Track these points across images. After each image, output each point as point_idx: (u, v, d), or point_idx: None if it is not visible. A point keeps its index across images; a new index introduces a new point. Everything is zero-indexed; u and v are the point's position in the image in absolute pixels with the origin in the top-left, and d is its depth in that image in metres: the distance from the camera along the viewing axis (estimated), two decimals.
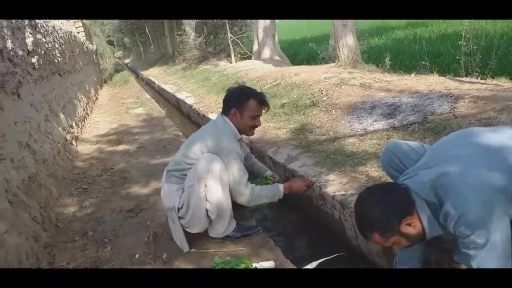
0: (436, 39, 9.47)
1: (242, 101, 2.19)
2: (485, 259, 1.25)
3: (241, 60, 11.93)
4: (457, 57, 5.01)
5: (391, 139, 3.19)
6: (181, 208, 2.15)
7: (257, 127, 2.31)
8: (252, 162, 2.66)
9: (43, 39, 4.44)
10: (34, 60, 3.75)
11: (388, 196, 1.44)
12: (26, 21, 3.74)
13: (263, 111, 2.28)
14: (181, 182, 2.18)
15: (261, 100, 2.23)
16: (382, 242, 1.45)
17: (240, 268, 1.83)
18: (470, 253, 1.27)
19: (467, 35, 4.71)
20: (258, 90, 2.33)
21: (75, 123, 5.52)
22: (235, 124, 2.23)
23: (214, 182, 2.05)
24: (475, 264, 1.27)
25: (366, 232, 1.47)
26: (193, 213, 2.12)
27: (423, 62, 5.40)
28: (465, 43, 4.72)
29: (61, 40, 5.92)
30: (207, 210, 2.12)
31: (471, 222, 1.24)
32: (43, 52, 4.32)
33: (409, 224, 1.39)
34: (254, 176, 2.50)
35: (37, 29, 4.25)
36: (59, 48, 5.61)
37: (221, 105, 2.30)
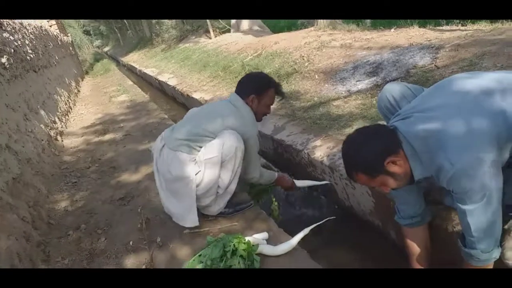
0: None
1: (263, 89, 2.24)
2: (481, 213, 1.23)
3: (221, 34, 11.68)
4: None
5: (376, 98, 3.16)
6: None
7: (267, 114, 2.36)
8: None
9: (10, 37, 4.28)
10: (3, 60, 3.62)
11: (373, 135, 1.41)
12: None
13: (276, 100, 2.38)
14: (195, 153, 2.11)
15: (279, 91, 2.32)
16: (368, 182, 1.41)
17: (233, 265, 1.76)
18: (466, 208, 1.24)
19: None
20: (276, 79, 2.39)
21: (58, 118, 5.42)
22: (252, 109, 2.25)
23: (233, 163, 2.07)
24: (471, 220, 1.25)
25: (352, 171, 1.43)
26: (207, 186, 2.10)
27: None
28: None
29: (31, 36, 5.72)
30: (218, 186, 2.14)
31: (467, 178, 1.20)
32: (12, 50, 4.17)
33: (394, 163, 1.34)
34: None
35: (3, 28, 4.09)
36: (30, 44, 5.42)
37: (230, 86, 2.30)
